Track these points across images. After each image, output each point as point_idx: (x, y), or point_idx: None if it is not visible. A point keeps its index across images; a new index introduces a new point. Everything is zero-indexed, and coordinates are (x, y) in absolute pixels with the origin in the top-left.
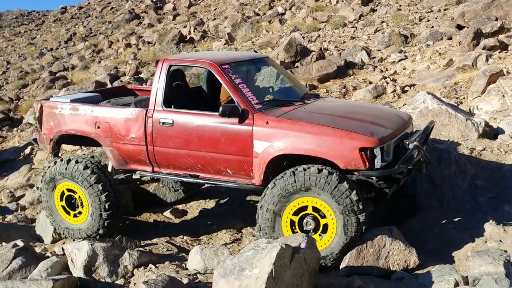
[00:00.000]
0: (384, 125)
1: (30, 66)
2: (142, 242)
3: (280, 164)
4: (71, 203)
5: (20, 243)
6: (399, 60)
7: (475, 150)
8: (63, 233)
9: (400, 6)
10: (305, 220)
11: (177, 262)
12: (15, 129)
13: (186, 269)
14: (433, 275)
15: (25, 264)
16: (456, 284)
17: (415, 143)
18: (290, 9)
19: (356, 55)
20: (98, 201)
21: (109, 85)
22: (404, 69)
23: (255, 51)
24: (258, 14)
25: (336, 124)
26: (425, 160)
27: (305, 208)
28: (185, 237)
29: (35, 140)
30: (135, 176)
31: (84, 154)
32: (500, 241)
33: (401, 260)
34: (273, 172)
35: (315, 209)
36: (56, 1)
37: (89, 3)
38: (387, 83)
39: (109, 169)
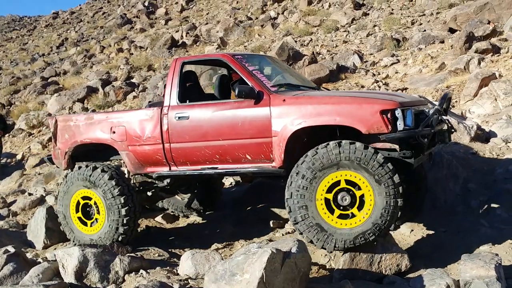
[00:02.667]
0: (402, 96)
1: (22, 71)
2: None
3: (299, 145)
4: (87, 213)
5: (11, 249)
6: (391, 64)
7: (467, 154)
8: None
9: (392, 10)
10: (340, 196)
11: (168, 267)
12: (6, 135)
13: (177, 274)
14: (425, 279)
15: (16, 270)
16: (448, 287)
17: (436, 106)
18: (282, 13)
19: (348, 59)
20: (112, 197)
21: (100, 90)
22: (396, 73)
23: None
24: (250, 19)
25: (352, 95)
26: (448, 128)
27: (337, 183)
28: (176, 242)
29: (49, 159)
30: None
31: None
32: (492, 244)
33: (393, 264)
34: (292, 153)
35: (349, 183)
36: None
37: (81, 8)
38: (379, 87)
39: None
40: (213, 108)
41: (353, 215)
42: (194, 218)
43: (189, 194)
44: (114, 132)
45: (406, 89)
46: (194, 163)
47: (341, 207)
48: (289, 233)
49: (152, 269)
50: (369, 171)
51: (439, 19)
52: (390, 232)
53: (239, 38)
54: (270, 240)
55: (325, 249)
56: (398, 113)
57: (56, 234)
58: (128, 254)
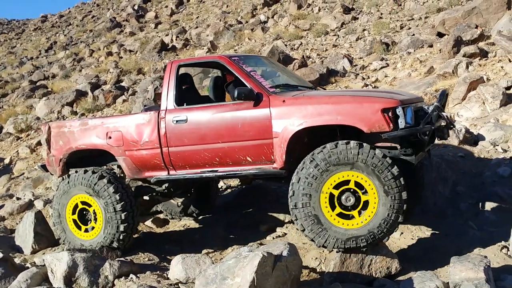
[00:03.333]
0: (400, 93)
1: (10, 75)
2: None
3: (299, 146)
4: (83, 218)
5: None
6: (381, 68)
7: (456, 157)
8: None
9: (382, 14)
10: (345, 195)
11: (158, 271)
12: None
13: (168, 278)
14: (415, 282)
15: (4, 275)
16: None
17: (436, 103)
18: (272, 17)
19: (338, 63)
20: (114, 211)
21: (90, 94)
22: (385, 76)
23: None
24: (240, 22)
25: (352, 94)
26: (446, 124)
27: (346, 182)
28: (166, 247)
29: (43, 166)
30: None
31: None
32: (481, 247)
33: (384, 267)
34: (293, 155)
35: (357, 185)
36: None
37: (70, 11)
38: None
39: None
40: (211, 110)
41: (352, 217)
42: (185, 222)
43: (184, 198)
44: (110, 138)
45: None
46: (193, 167)
47: (343, 206)
48: (279, 236)
49: (142, 273)
50: (381, 180)
51: (427, 24)
52: None
53: (229, 42)
54: (261, 244)
55: (314, 241)
56: (399, 111)
57: (44, 239)
58: (118, 259)
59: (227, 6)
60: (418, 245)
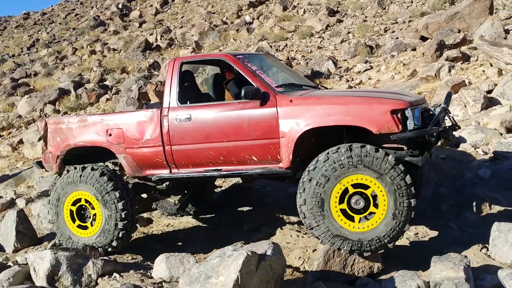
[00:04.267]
0: (406, 95)
1: None
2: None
3: (305, 145)
4: (81, 215)
5: None
6: (365, 70)
7: (438, 158)
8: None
9: (366, 17)
10: (354, 199)
11: (142, 270)
12: None
13: (151, 277)
14: (396, 280)
15: None
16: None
17: (443, 105)
18: (258, 18)
19: (322, 65)
20: (115, 209)
21: (72, 92)
22: (369, 79)
23: None
24: (225, 23)
25: (360, 95)
26: (452, 125)
27: (363, 186)
28: (150, 245)
29: (38, 163)
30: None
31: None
32: (461, 247)
33: (366, 267)
34: (299, 154)
35: (364, 187)
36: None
37: (53, 9)
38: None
39: None
40: (216, 109)
41: (360, 220)
42: (169, 222)
43: (181, 196)
44: (110, 135)
45: None
46: (196, 165)
47: (352, 209)
48: (264, 236)
49: (125, 272)
50: (393, 187)
51: (411, 27)
52: None
53: (214, 42)
54: (245, 243)
55: (313, 233)
56: (408, 112)
57: (26, 237)
58: (101, 257)
59: (212, 7)
60: (400, 245)
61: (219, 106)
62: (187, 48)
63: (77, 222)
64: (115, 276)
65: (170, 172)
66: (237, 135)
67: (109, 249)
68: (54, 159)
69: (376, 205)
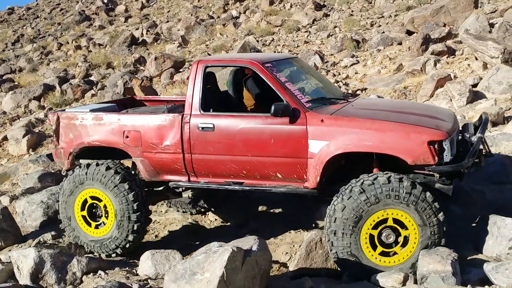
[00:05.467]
0: (443, 119)
1: None
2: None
3: (333, 165)
4: (93, 214)
5: None
6: (351, 65)
7: None
8: (88, 248)
9: (352, 11)
10: (384, 234)
11: (127, 267)
12: None
13: (137, 274)
14: (383, 273)
15: None
16: (405, 280)
17: (479, 135)
18: (244, 12)
19: (309, 59)
20: (126, 202)
21: (58, 88)
22: (356, 73)
23: (209, 54)
24: (212, 17)
25: (396, 119)
26: (486, 153)
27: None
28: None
29: (49, 155)
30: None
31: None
32: (447, 240)
33: None
34: (325, 174)
35: (395, 221)
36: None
37: (37, 4)
38: (340, 87)
39: None
40: (242, 121)
41: (394, 254)
42: (154, 218)
43: (193, 191)
44: (127, 137)
45: (365, 89)
46: (217, 176)
47: (384, 244)
48: (251, 231)
49: (110, 269)
50: (425, 222)
51: (397, 21)
52: None
53: (200, 37)
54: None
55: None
56: (446, 144)
57: (10, 235)
58: (86, 255)
59: (199, 1)
60: None
61: (244, 118)
62: (173, 43)
63: (90, 222)
64: (100, 274)
65: (189, 180)
66: (263, 150)
67: (127, 245)
68: (66, 156)
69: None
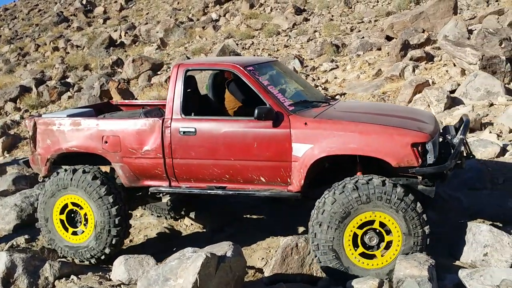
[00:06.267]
0: (425, 121)
1: None
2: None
3: (317, 167)
4: (72, 219)
5: None
6: (331, 69)
7: None
8: (61, 252)
9: (332, 16)
10: (368, 235)
11: (100, 272)
12: None
13: (110, 280)
14: (359, 279)
15: None
16: (380, 286)
17: (461, 136)
18: (224, 15)
19: (289, 63)
20: (108, 215)
21: (34, 90)
22: (335, 78)
23: (188, 57)
24: (191, 20)
25: (379, 122)
26: (467, 154)
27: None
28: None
29: (26, 162)
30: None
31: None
32: None
33: None
34: (308, 177)
35: (382, 225)
36: None
37: (15, 4)
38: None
39: None
40: (225, 125)
41: (375, 257)
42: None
43: (171, 197)
44: (106, 142)
45: (344, 94)
46: (199, 181)
47: (366, 246)
48: (226, 236)
49: (83, 274)
50: (408, 224)
51: (376, 27)
52: None
53: (179, 39)
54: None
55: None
56: (429, 146)
57: None
58: (59, 259)
59: (178, 3)
60: None
61: (227, 122)
62: (152, 45)
63: (70, 229)
64: (72, 279)
65: (170, 185)
66: (246, 154)
67: (102, 257)
68: (44, 162)
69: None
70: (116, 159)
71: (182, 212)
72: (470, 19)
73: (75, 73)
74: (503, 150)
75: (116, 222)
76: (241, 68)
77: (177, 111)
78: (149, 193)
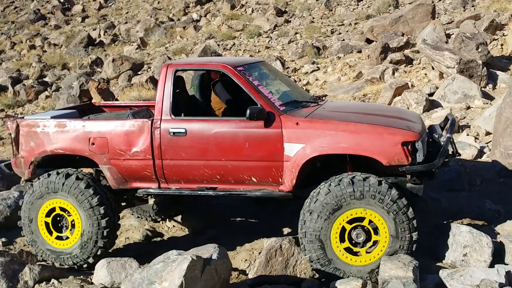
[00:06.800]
0: (412, 120)
1: None
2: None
3: (308, 167)
4: (57, 223)
5: None
6: (312, 71)
7: None
8: (41, 255)
9: (313, 18)
10: (356, 232)
11: (82, 276)
12: None
13: (92, 283)
14: (342, 280)
15: None
16: (363, 286)
17: (448, 135)
18: (205, 16)
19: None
20: (97, 226)
21: (10, 89)
22: (316, 79)
23: (169, 57)
24: (172, 20)
25: (369, 121)
26: (453, 152)
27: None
28: None
29: (7, 165)
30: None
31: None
32: None
33: (308, 269)
34: (300, 176)
35: (371, 224)
36: None
37: None
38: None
39: None
40: (215, 125)
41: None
42: None
43: (158, 199)
44: (93, 144)
45: (325, 96)
46: (189, 182)
47: (353, 242)
48: (209, 238)
49: (64, 278)
50: (396, 222)
51: (357, 30)
52: None
53: (160, 39)
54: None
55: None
56: (419, 145)
57: None
58: (39, 263)
59: (158, 3)
60: None
61: (218, 122)
62: (132, 45)
63: (54, 233)
64: (53, 282)
65: (159, 186)
66: (237, 154)
67: (84, 265)
68: (27, 165)
69: (376, 240)
70: (103, 161)
71: (169, 214)
72: (447, 23)
73: (53, 72)
74: (480, 152)
75: (105, 234)
76: (231, 68)
77: (166, 112)
78: (136, 195)
